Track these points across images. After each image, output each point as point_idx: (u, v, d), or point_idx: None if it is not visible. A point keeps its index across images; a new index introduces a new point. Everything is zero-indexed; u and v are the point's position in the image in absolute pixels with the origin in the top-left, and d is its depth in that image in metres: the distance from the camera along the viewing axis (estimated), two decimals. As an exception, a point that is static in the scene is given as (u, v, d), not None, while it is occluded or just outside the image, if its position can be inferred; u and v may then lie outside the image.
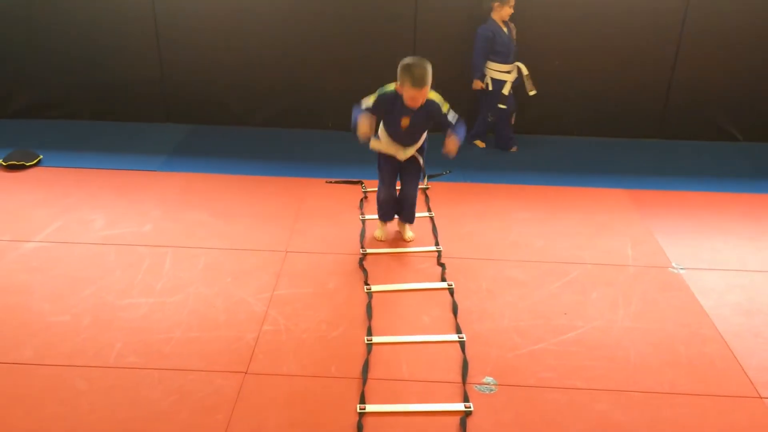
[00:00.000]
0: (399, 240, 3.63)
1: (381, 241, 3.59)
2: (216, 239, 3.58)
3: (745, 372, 2.71)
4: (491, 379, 2.64)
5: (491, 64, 4.68)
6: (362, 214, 3.88)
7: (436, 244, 3.57)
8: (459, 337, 2.84)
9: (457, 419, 2.43)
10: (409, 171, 3.42)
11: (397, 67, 3.09)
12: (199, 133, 5.06)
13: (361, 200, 4.04)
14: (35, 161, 4.40)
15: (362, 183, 4.23)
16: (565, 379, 2.65)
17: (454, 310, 3.04)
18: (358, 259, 3.42)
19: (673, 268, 3.43)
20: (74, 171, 4.34)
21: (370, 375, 2.63)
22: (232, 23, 4.87)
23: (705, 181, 4.45)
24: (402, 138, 3.30)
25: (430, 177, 4.32)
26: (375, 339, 2.81)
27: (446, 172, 4.42)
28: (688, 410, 2.52)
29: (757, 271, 3.43)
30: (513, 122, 4.89)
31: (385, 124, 3.32)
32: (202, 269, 3.31)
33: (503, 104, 4.71)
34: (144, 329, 2.87)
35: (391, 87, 3.19)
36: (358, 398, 2.51)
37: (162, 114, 5.17)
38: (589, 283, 3.28)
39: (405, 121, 3.20)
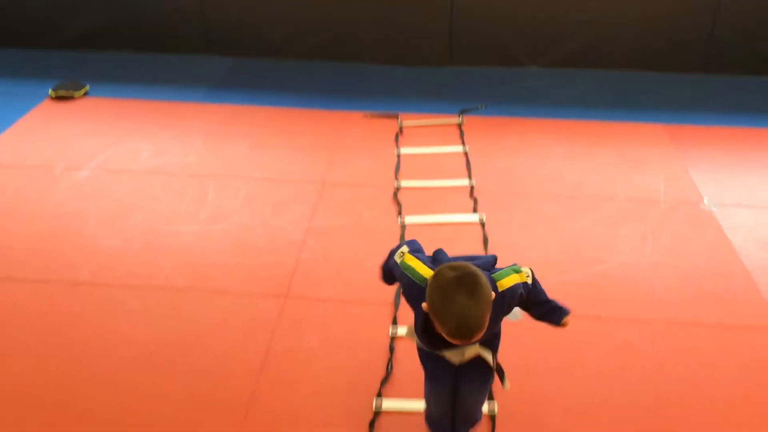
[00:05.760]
0: (433, 173, 3.70)
1: None
2: (256, 170, 3.72)
3: (768, 306, 2.78)
4: (517, 308, 2.75)
5: None
6: (397, 147, 3.95)
7: (470, 177, 3.65)
8: (489, 268, 2.94)
9: (484, 344, 2.57)
10: (470, 375, 1.97)
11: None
12: (238, 65, 5.13)
13: (397, 134, 4.11)
14: (82, 92, 4.55)
15: (398, 117, 4.29)
16: (590, 309, 2.75)
17: (485, 242, 3.14)
18: (392, 192, 3.52)
19: (705, 204, 3.45)
20: (120, 101, 4.49)
21: (403, 301, 2.77)
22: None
23: (746, 117, 4.38)
24: (450, 345, 1.78)
25: (464, 111, 4.35)
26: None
27: (482, 107, 4.44)
28: (709, 341, 2.61)
29: (790, 208, 3.43)
30: None
31: (415, 325, 1.87)
32: (243, 199, 3.46)
33: None
34: (191, 254, 3.05)
35: (418, 271, 1.82)
36: (390, 322, 2.66)
37: (202, 45, 5.25)
38: (619, 219, 3.34)
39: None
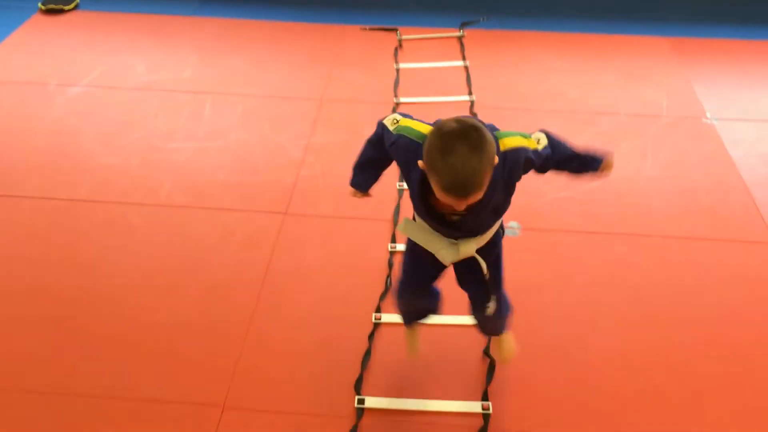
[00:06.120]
0: (433, 88, 3.64)
1: (414, 357, 2.18)
2: (253, 86, 3.66)
3: (764, 219, 2.80)
4: (515, 223, 2.77)
5: None
6: (396, 62, 3.88)
7: (470, 93, 3.60)
8: (487, 184, 2.95)
9: (481, 258, 2.61)
10: (474, 274, 1.83)
11: None
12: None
13: (396, 49, 4.02)
14: (73, 5, 4.42)
15: (397, 30, 4.18)
16: (587, 224, 2.78)
17: (484, 157, 3.13)
18: (391, 108, 3.48)
19: (707, 118, 3.42)
20: (111, 15, 4.36)
21: (402, 217, 2.79)
22: None
23: (752, 30, 4.27)
24: (449, 226, 1.71)
25: (465, 24, 4.24)
26: (406, 185, 2.94)
27: (483, 19, 4.32)
28: (703, 254, 2.65)
29: (793, 123, 3.41)
30: None
31: (411, 197, 1.72)
32: (240, 116, 3.42)
33: None
34: (190, 171, 3.05)
35: (416, 128, 1.68)
36: (389, 238, 2.69)
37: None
38: (620, 134, 3.31)
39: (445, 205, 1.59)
